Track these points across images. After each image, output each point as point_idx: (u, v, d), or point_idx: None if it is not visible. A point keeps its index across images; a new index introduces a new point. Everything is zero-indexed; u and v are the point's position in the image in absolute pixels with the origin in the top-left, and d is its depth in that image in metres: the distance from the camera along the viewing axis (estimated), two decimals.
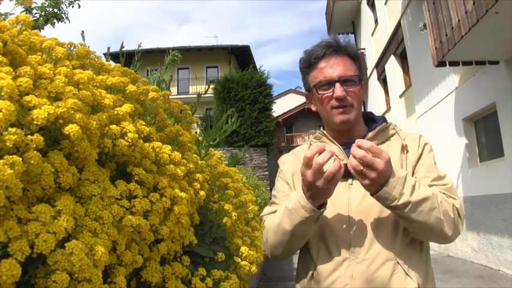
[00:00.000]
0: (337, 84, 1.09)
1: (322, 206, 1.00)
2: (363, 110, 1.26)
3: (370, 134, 1.14)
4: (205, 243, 0.83)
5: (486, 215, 5.71)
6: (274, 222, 1.08)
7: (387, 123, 1.19)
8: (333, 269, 1.05)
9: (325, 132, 1.21)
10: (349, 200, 1.07)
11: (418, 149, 1.13)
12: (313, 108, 1.23)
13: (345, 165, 1.11)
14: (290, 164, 1.25)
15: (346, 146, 1.15)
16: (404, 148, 1.12)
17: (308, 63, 1.17)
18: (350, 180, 1.10)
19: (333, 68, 1.11)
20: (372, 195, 0.96)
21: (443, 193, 1.05)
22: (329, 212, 1.07)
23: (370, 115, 1.25)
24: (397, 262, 1.02)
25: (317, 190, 0.95)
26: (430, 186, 1.05)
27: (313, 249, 1.12)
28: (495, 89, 5.26)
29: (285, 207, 1.05)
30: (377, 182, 0.92)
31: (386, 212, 1.03)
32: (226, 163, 1.29)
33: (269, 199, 1.33)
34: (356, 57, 1.16)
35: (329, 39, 1.16)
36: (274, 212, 1.17)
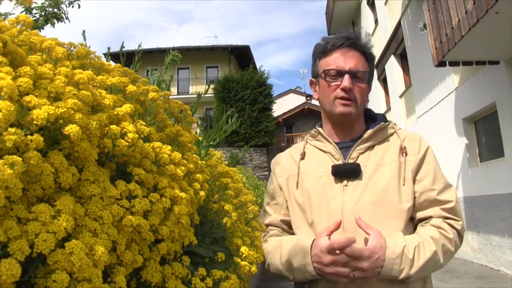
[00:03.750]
0: (347, 76, 1.09)
1: None
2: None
3: (367, 133, 1.12)
4: (205, 244, 0.83)
5: (486, 215, 5.71)
6: (276, 258, 1.06)
7: (386, 121, 1.17)
8: None
9: (320, 130, 1.19)
10: (344, 202, 1.05)
11: (418, 152, 1.10)
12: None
13: (339, 165, 1.10)
14: (284, 166, 1.23)
15: (342, 145, 1.14)
16: (403, 150, 1.09)
17: (323, 49, 1.16)
18: (345, 182, 1.08)
19: (346, 59, 1.11)
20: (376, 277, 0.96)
21: (446, 218, 1.04)
22: (323, 215, 1.06)
23: (369, 112, 1.23)
24: None
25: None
26: (434, 200, 1.04)
27: None
28: (495, 89, 5.25)
29: (290, 258, 1.02)
30: (373, 269, 0.93)
31: (382, 215, 1.02)
32: (226, 163, 1.29)
33: None
34: (370, 58, 1.17)
35: (350, 32, 1.16)
36: (272, 226, 1.17)
